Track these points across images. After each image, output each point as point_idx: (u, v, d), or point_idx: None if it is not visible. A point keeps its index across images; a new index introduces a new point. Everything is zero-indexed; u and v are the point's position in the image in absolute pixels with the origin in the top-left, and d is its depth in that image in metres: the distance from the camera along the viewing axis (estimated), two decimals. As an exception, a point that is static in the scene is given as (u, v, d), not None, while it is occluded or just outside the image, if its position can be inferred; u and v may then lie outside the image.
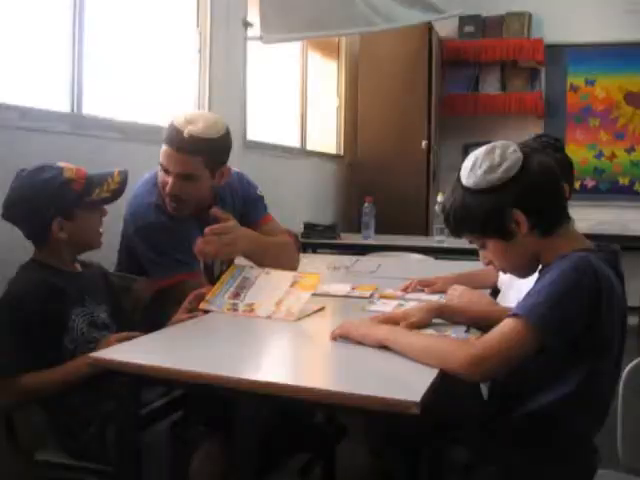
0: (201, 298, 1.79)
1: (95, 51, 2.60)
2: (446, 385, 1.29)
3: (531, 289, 1.35)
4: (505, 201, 1.36)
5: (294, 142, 4.61)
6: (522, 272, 1.47)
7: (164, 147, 1.91)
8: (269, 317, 1.73)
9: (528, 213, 1.36)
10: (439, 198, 4.00)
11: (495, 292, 2.22)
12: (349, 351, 1.44)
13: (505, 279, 2.11)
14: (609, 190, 5.52)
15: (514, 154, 1.38)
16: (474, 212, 1.39)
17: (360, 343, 1.45)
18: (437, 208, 4.02)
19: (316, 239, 4.09)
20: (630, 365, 1.55)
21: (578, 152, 5.42)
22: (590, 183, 5.54)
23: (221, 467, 1.55)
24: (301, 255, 2.27)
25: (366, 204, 4.15)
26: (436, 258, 3.48)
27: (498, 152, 1.38)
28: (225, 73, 3.47)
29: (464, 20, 5.57)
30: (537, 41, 5.42)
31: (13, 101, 2.18)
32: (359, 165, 5.14)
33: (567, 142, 5.37)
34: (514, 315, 1.29)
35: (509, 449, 1.40)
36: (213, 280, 1.97)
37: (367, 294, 2.07)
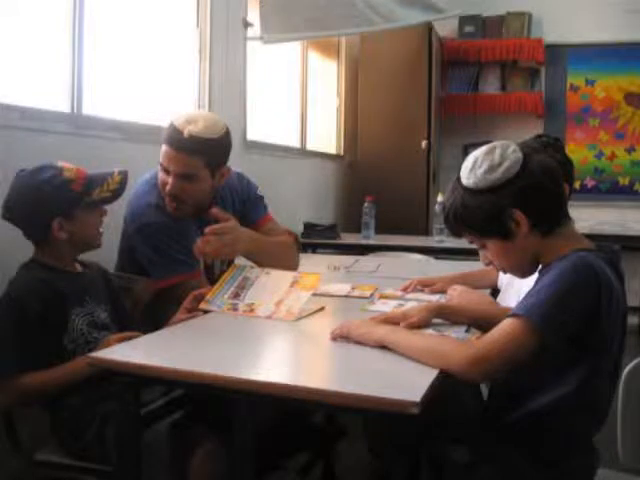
0: (201, 298, 1.79)
1: (95, 51, 2.59)
2: (446, 385, 1.29)
3: (531, 289, 1.35)
4: (505, 201, 1.36)
5: (294, 142, 4.61)
6: (522, 272, 1.47)
7: (164, 147, 1.91)
8: (269, 317, 1.73)
9: (528, 213, 1.36)
10: (439, 198, 4.00)
11: (495, 292, 2.22)
12: (349, 351, 1.44)
13: (505, 279, 2.11)
14: (609, 190, 5.52)
15: (514, 154, 1.38)
16: (474, 212, 1.40)
17: (360, 343, 1.45)
18: (437, 208, 4.02)
19: (316, 239, 4.09)
20: (630, 365, 1.54)
21: (578, 152, 5.42)
22: (590, 183, 5.54)
23: (221, 467, 1.55)
24: (301, 255, 2.26)
25: (366, 204, 4.15)
26: (436, 258, 3.48)
27: (498, 152, 1.38)
28: (225, 73, 3.47)
29: (464, 20, 5.57)
30: (537, 41, 5.42)
31: (13, 101, 2.18)
32: (359, 165, 5.14)
33: (567, 142, 5.37)
34: (514, 315, 1.29)
35: (509, 449, 1.40)
36: (213, 280, 1.97)
37: (367, 294, 2.07)
